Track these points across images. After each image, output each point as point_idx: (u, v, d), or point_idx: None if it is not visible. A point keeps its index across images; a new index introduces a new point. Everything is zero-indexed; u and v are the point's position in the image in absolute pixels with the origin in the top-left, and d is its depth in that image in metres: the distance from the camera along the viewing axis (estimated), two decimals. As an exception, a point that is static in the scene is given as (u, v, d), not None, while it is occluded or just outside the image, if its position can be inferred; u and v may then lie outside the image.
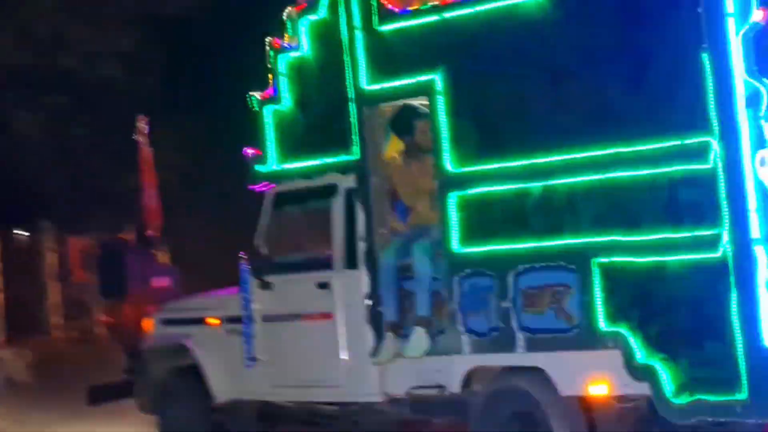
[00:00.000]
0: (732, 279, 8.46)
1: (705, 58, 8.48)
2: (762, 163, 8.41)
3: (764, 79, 8.38)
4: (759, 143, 8.42)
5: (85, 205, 24.21)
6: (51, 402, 17.69)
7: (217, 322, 12.10)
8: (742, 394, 8.44)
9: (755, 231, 8.38)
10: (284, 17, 11.33)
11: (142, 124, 15.20)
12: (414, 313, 10.37)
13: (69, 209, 23.56)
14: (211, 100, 24.02)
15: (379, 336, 10.61)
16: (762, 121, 8.39)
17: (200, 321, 12.30)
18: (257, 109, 11.52)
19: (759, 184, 8.39)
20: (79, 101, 20.92)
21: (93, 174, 24.53)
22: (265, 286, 11.40)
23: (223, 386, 11.98)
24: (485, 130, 9.92)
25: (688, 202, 8.71)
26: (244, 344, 11.59)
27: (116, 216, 25.41)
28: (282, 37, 11.27)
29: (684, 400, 8.73)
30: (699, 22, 8.58)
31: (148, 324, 12.86)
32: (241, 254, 11.76)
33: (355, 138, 10.70)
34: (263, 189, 11.57)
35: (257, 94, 11.45)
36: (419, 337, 10.18)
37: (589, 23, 9.32)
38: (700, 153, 8.52)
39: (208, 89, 24.23)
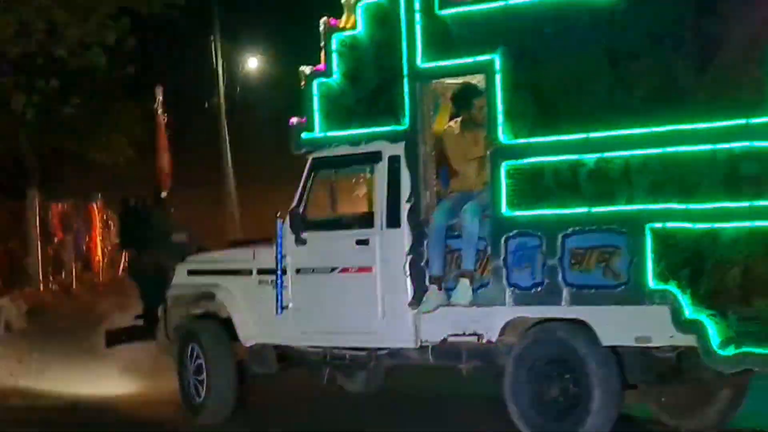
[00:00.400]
0: None
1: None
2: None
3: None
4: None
5: (65, 175, 24.09)
6: (47, 345, 17.24)
7: (248, 273, 11.69)
8: None
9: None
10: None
11: (159, 93, 14.65)
12: (458, 268, 10.11)
13: (52, 179, 23.24)
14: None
15: (420, 288, 10.35)
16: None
17: (230, 272, 11.91)
18: (306, 81, 11.12)
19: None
20: (69, 85, 20.60)
21: (74, 150, 24.61)
22: (300, 241, 11.04)
23: (250, 331, 11.65)
24: (542, 107, 9.73)
25: (748, 175, 8.53)
26: (275, 294, 11.21)
27: (92, 184, 25.59)
28: (336, 17, 10.94)
29: (730, 351, 8.60)
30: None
31: (174, 274, 12.36)
32: (278, 213, 11.38)
33: (407, 110, 10.38)
34: (305, 154, 11.18)
35: (306, 69, 11.12)
36: (464, 287, 9.98)
37: (655, 4, 9.27)
38: (764, 132, 8.40)
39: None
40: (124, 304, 18.53)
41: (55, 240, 23.31)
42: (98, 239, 25.33)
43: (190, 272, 12.51)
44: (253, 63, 25.09)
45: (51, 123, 21.56)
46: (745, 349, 8.58)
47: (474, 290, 10.07)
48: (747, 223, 8.59)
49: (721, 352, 8.64)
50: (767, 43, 8.51)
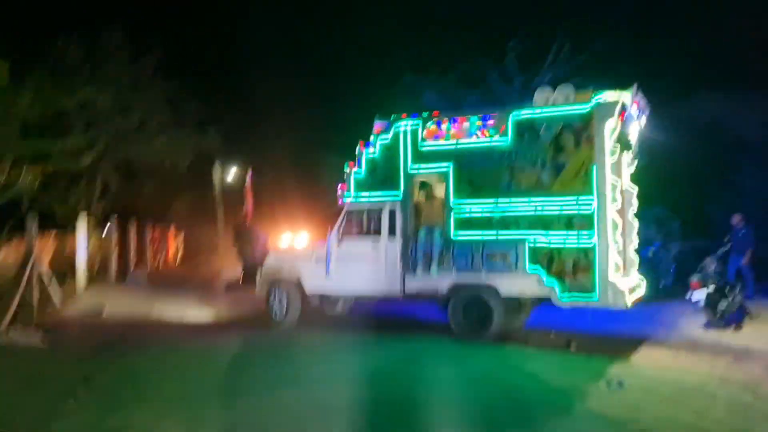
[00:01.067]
0: (595, 252, 8.49)
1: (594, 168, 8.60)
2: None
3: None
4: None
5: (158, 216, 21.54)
6: (159, 291, 15.23)
7: (310, 258, 10.67)
8: (595, 297, 8.50)
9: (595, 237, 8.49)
10: (372, 134, 10.39)
11: (249, 174, 13.70)
12: (432, 260, 9.60)
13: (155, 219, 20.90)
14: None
15: (406, 267, 9.82)
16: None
17: (303, 258, 10.85)
18: (347, 170, 10.50)
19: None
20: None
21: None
22: (339, 244, 10.30)
23: (310, 286, 10.74)
24: (472, 188, 9.43)
25: (575, 223, 8.62)
26: (325, 267, 10.39)
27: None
28: (365, 142, 10.37)
29: (566, 299, 8.69)
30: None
31: (270, 256, 11.33)
32: (328, 231, 10.54)
33: (402, 188, 9.96)
34: (342, 204, 10.52)
35: (349, 164, 10.49)
36: (435, 268, 9.55)
37: (530, 148, 9.04)
38: (585, 204, 8.59)
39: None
40: (189, 273, 17.14)
41: (155, 245, 21.03)
42: (171, 245, 23.02)
43: (275, 258, 11.24)
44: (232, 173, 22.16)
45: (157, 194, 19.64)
46: (574, 296, 8.62)
47: (438, 269, 9.56)
48: (574, 243, 8.64)
49: (562, 299, 8.66)
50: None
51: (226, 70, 22.22)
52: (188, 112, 18.08)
